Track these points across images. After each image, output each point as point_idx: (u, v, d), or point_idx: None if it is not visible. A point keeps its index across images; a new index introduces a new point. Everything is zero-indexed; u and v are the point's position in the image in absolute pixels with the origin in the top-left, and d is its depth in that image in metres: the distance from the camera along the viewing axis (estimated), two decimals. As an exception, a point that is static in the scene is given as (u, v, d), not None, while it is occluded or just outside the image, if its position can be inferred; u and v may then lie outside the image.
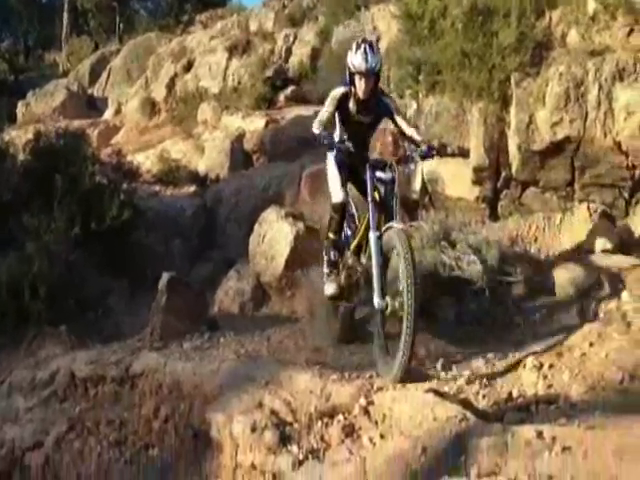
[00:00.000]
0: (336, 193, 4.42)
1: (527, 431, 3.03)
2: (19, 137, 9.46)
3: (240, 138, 9.68)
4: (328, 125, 4.47)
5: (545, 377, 3.75)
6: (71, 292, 6.07)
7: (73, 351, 5.57)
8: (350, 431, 3.55)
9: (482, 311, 4.54)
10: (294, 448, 3.62)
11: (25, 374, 5.51)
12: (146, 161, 10.02)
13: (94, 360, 5.23)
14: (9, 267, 5.73)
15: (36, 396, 5.17)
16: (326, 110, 4.47)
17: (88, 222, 6.67)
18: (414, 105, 7.53)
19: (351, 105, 4.46)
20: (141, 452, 4.39)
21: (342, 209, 4.45)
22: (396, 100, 4.92)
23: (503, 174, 6.11)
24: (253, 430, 3.81)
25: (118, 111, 13.57)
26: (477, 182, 6.19)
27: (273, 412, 3.92)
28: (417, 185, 6.46)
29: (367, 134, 4.71)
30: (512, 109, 6.13)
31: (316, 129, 4.36)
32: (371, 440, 3.48)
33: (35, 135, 8.12)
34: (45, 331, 5.85)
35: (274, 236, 6.39)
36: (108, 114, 13.75)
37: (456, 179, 6.35)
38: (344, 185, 4.46)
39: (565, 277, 4.73)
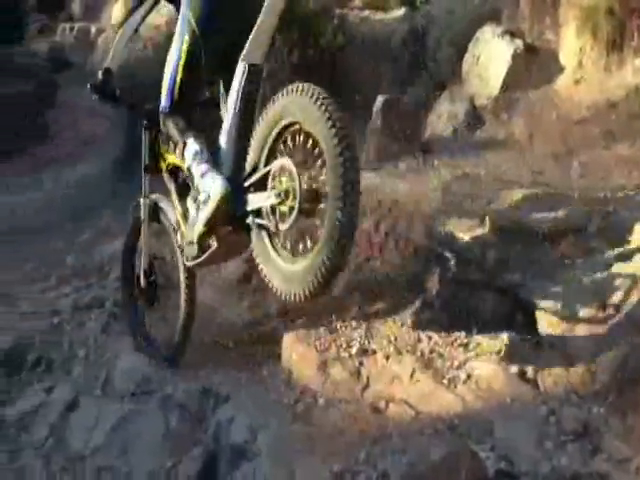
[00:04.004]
0: None
1: None
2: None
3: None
4: None
5: None
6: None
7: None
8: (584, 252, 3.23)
9: None
10: (518, 266, 3.39)
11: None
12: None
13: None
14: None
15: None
16: None
17: (306, 49, 6.51)
18: None
19: None
20: (363, 263, 4.45)
21: None
22: None
23: None
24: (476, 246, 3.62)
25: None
26: None
27: (496, 230, 3.69)
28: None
29: None
30: None
31: None
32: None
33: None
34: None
35: (490, 56, 5.76)
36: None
37: None
38: None
39: None
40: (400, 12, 7.61)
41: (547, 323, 3.03)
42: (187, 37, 2.91)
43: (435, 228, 3.99)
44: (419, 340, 3.47)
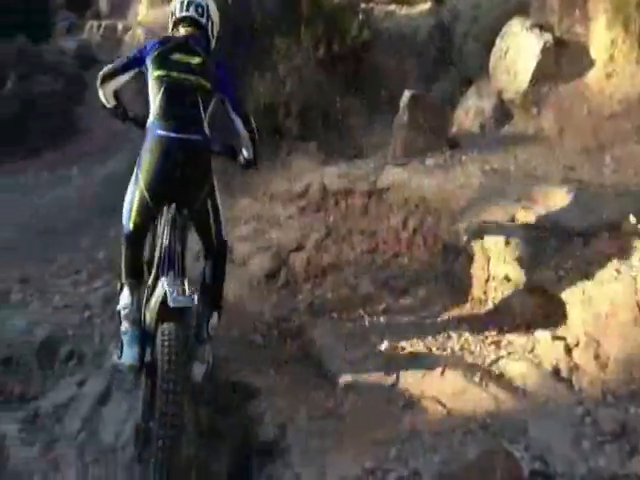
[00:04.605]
0: None
1: None
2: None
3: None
4: None
5: None
6: (318, 111, 6.07)
7: (323, 166, 5.65)
8: (619, 250, 3.15)
9: None
10: (551, 263, 3.33)
11: (282, 185, 5.74)
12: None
13: (342, 175, 5.25)
14: (266, 87, 5.80)
15: (294, 206, 5.38)
16: None
17: (331, 44, 6.47)
18: None
19: None
20: (391, 260, 4.41)
21: None
22: None
23: None
24: (507, 243, 3.56)
25: None
26: None
27: (527, 227, 3.62)
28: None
29: None
30: None
31: None
32: (642, 260, 3.06)
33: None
34: (297, 146, 5.98)
35: (518, 50, 5.64)
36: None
37: None
38: None
39: None
40: (426, 6, 7.51)
41: (581, 321, 2.96)
42: (137, 194, 3.15)
43: (464, 225, 3.94)
44: (449, 337, 3.43)
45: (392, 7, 7.57)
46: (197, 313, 3.19)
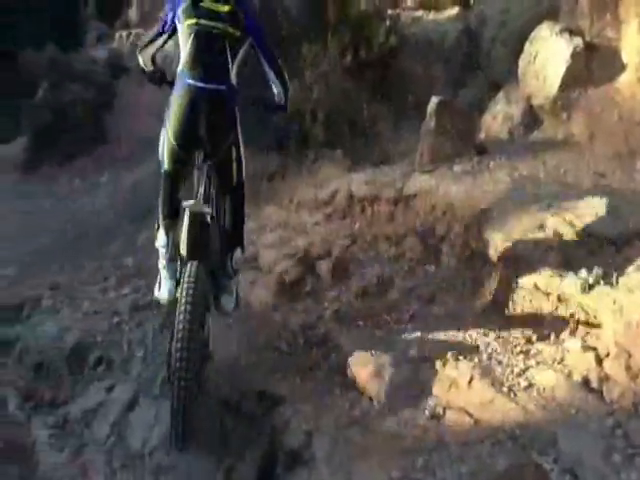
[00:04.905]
0: None
1: None
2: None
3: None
4: None
5: None
6: (345, 118, 6.09)
7: (349, 173, 5.65)
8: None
9: None
10: (582, 271, 3.28)
11: (308, 192, 5.76)
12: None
13: (369, 181, 5.25)
14: (293, 94, 5.82)
15: (320, 213, 5.39)
16: None
17: (358, 51, 6.49)
18: None
19: None
20: (418, 267, 4.39)
21: None
22: None
23: None
24: (536, 251, 3.52)
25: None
26: None
27: (556, 234, 3.58)
28: None
29: None
30: None
31: None
32: (675, 269, 3.00)
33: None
34: (323, 153, 6.00)
35: (548, 55, 5.59)
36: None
37: None
38: None
39: None
40: (453, 12, 7.48)
41: (612, 331, 2.91)
42: (167, 142, 3.29)
43: (492, 232, 3.91)
44: (476, 346, 3.40)
45: (419, 13, 7.57)
46: (220, 251, 3.37)
